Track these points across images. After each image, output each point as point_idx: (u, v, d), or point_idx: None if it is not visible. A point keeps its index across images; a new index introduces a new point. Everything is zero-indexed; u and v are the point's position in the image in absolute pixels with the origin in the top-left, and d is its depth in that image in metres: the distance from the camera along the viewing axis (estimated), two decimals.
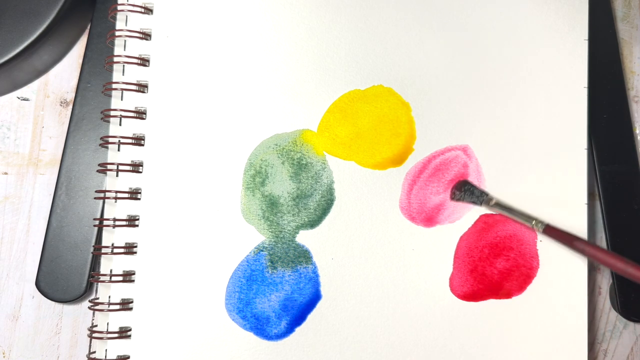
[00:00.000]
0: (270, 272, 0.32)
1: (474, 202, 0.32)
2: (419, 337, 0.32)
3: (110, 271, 0.31)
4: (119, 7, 0.32)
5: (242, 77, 0.32)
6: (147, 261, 0.31)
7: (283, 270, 0.32)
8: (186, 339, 0.31)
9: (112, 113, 0.31)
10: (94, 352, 0.31)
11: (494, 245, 0.33)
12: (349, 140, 0.33)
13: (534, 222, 0.31)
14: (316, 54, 0.33)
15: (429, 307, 0.32)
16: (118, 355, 0.30)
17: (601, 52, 0.36)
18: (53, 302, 0.33)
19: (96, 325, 0.31)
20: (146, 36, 0.32)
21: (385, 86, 0.33)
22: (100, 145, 0.32)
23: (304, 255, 0.32)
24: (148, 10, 0.32)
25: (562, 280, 0.33)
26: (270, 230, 0.32)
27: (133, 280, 0.31)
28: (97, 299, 0.31)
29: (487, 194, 0.32)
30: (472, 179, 0.33)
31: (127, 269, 0.31)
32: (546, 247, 0.33)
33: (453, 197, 0.33)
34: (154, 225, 0.31)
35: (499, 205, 0.32)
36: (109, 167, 0.31)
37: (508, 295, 0.33)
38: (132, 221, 0.31)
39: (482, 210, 0.33)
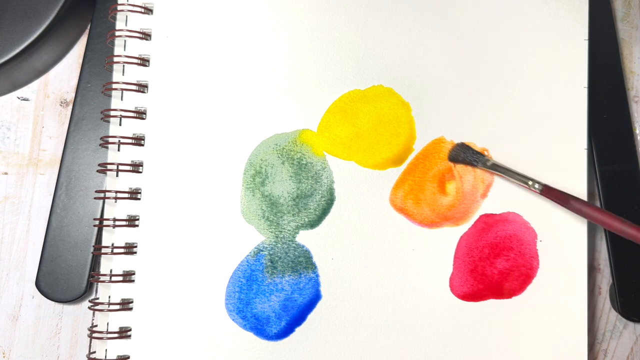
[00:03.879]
0: (270, 272, 0.32)
1: (471, 162, 0.32)
2: (419, 337, 0.32)
3: (110, 271, 0.31)
4: (119, 7, 0.32)
5: (242, 77, 0.32)
6: (147, 261, 0.31)
7: (283, 271, 0.32)
8: (186, 339, 0.31)
9: (112, 113, 0.31)
10: (94, 352, 0.31)
11: (494, 245, 0.33)
12: (349, 140, 0.33)
13: (530, 182, 0.31)
14: (316, 54, 0.33)
15: (429, 307, 0.32)
16: (118, 355, 0.30)
17: (601, 52, 0.36)
18: (53, 302, 0.33)
19: (96, 325, 0.31)
20: (146, 36, 0.32)
21: (385, 86, 0.33)
22: (100, 145, 0.32)
23: (304, 256, 0.32)
24: (148, 10, 0.32)
25: (562, 280, 0.33)
26: (270, 230, 0.32)
27: (133, 280, 0.31)
28: (97, 299, 0.31)
29: (483, 155, 0.32)
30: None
31: (127, 269, 0.31)
32: (546, 247, 0.33)
33: (450, 156, 0.32)
34: (154, 225, 0.31)
35: (496, 166, 0.32)
36: (109, 167, 0.31)
37: (508, 295, 0.33)
38: (132, 221, 0.31)
39: (482, 210, 0.33)
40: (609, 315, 0.36)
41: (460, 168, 0.33)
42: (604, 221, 0.29)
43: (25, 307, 0.33)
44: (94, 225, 0.32)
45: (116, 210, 0.31)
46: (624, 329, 0.36)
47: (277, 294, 0.32)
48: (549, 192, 0.31)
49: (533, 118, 0.34)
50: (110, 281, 0.31)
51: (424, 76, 0.33)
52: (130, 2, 0.32)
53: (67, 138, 0.33)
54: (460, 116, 0.33)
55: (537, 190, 0.31)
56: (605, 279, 0.36)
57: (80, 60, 0.35)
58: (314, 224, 0.32)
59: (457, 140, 0.33)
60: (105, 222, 0.31)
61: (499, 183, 0.33)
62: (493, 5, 0.34)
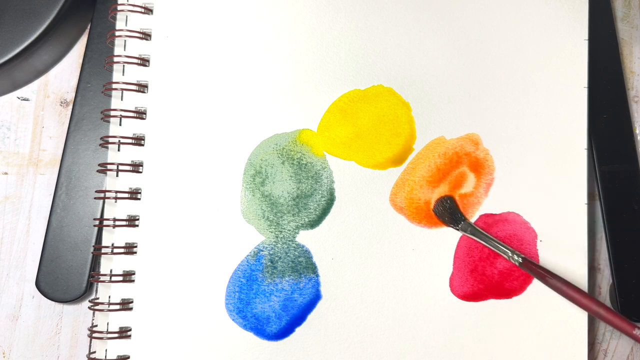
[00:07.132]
0: (270, 272, 0.32)
1: (452, 223, 0.32)
2: (419, 337, 0.32)
3: (110, 271, 0.31)
4: (119, 7, 0.32)
5: (242, 77, 0.32)
6: (147, 261, 0.31)
7: (283, 271, 0.32)
8: (186, 339, 0.31)
9: (112, 113, 0.31)
10: (94, 352, 0.31)
11: None
12: (349, 140, 0.33)
13: (510, 253, 0.32)
14: (316, 54, 0.33)
15: (429, 307, 0.32)
16: (118, 355, 0.30)
17: (601, 52, 0.36)
18: (53, 302, 0.33)
19: (96, 325, 0.31)
20: (146, 36, 0.32)
21: (385, 86, 0.33)
22: (100, 145, 0.32)
23: (304, 256, 0.32)
24: (148, 10, 0.32)
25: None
26: (270, 230, 0.32)
27: (133, 280, 0.31)
28: (97, 299, 0.31)
29: (466, 219, 0.32)
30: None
31: (127, 269, 0.31)
32: (546, 247, 0.33)
33: (435, 210, 0.32)
34: (154, 225, 0.31)
35: (476, 232, 0.32)
36: (109, 167, 0.31)
37: (508, 295, 0.33)
38: (132, 221, 0.31)
39: (482, 210, 0.33)
40: None
41: (460, 168, 0.33)
42: (581, 302, 0.30)
43: (25, 307, 0.33)
44: (94, 225, 0.32)
45: (116, 210, 0.31)
46: None
47: (277, 294, 0.32)
48: (528, 266, 0.31)
49: (533, 118, 0.34)
50: (110, 281, 0.31)
51: (424, 76, 0.33)
52: (130, 2, 0.32)
53: (67, 138, 0.33)
54: (461, 116, 0.33)
55: (517, 263, 0.31)
56: (605, 279, 0.36)
57: (80, 60, 0.35)
58: (314, 224, 0.32)
59: (457, 138, 0.33)
60: (105, 222, 0.31)
61: (499, 183, 0.33)
62: (493, 5, 0.34)
